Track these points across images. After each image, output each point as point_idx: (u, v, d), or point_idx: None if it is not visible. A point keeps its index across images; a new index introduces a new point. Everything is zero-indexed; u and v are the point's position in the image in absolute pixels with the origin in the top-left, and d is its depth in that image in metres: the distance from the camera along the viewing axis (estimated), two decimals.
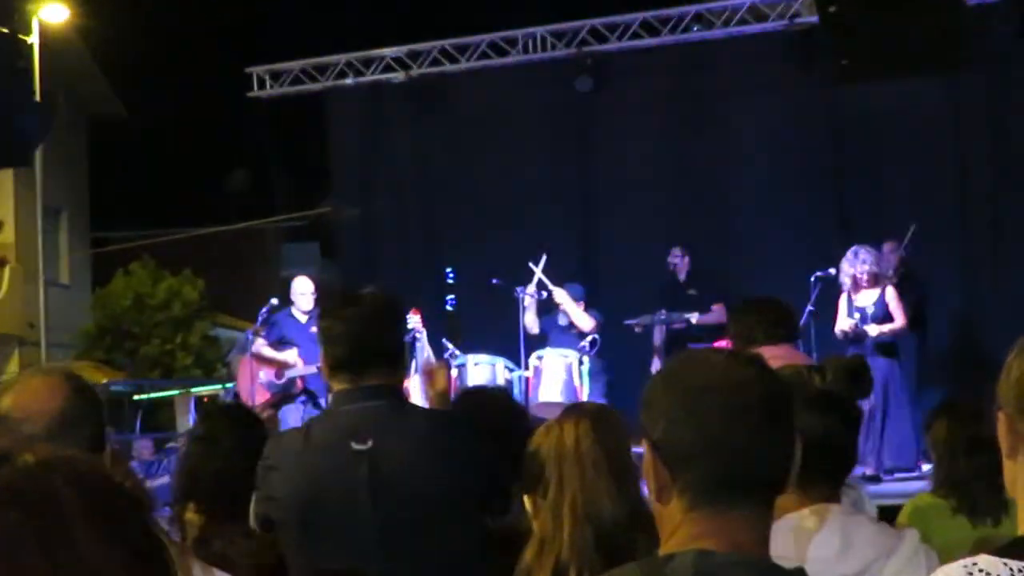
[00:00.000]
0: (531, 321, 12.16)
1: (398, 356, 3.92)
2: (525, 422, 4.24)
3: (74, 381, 2.98)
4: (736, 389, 2.09)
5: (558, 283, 12.10)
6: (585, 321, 11.90)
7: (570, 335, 12.00)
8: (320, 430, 3.94)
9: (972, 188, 12.34)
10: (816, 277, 11.24)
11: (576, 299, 12.00)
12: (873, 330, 10.68)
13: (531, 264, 12.13)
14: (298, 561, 3.76)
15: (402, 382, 3.98)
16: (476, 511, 3.76)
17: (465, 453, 3.77)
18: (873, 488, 9.65)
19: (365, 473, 3.68)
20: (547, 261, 12.12)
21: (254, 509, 3.94)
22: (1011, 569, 2.09)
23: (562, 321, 12.09)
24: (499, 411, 4.24)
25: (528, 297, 12.12)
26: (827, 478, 2.96)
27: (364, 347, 3.84)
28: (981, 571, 2.10)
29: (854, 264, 10.87)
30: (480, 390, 4.86)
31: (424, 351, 12.40)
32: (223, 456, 4.75)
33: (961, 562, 2.14)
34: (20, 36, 13.04)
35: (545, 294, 12.09)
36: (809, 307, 10.97)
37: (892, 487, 9.91)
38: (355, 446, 3.70)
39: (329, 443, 3.79)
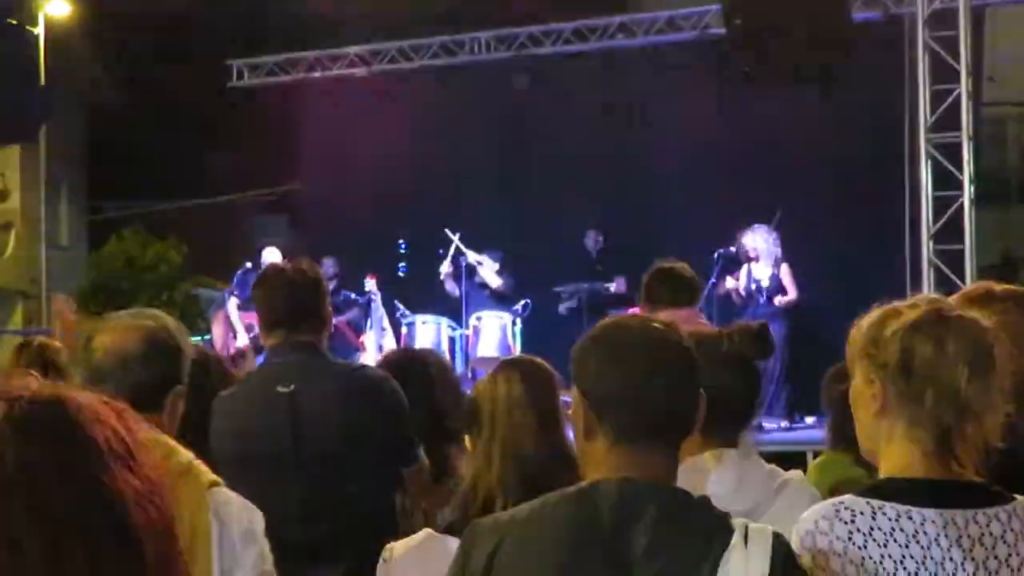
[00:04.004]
0: (451, 286, 12.25)
1: (321, 317, 4.00)
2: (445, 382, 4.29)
3: (152, 331, 2.90)
4: (653, 348, 2.17)
5: (483, 251, 12.25)
6: (493, 279, 12.04)
7: (483, 296, 12.09)
8: (255, 378, 4.09)
9: (844, 181, 12.42)
10: (718, 254, 11.32)
11: (494, 262, 12.15)
12: (779, 300, 10.89)
13: (448, 231, 12.24)
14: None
15: (324, 339, 4.04)
16: (383, 452, 3.82)
17: (372, 400, 3.83)
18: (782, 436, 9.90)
19: (286, 411, 3.77)
20: (463, 233, 12.37)
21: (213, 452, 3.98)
22: (872, 507, 2.15)
23: (478, 280, 12.21)
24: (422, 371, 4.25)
25: (446, 264, 12.22)
26: (728, 427, 2.98)
27: (295, 309, 3.93)
28: (847, 508, 2.16)
29: (767, 240, 11.03)
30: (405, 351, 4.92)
31: (379, 310, 12.46)
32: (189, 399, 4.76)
33: (830, 501, 2.20)
34: (27, 28, 12.87)
35: (463, 261, 12.20)
36: (712, 280, 11.05)
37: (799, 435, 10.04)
38: (280, 389, 3.80)
39: (259, 387, 3.91)
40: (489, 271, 12.13)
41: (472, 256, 12.18)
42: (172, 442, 2.81)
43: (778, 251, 11.14)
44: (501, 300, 12.13)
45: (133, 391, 2.77)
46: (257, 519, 2.82)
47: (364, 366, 4.04)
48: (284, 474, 3.71)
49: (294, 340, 3.92)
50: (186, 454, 2.79)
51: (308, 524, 3.57)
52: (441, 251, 12.42)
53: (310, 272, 4.05)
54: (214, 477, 2.78)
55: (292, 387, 3.80)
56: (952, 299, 3.06)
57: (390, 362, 4.33)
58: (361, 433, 3.80)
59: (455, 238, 12.29)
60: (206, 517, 2.68)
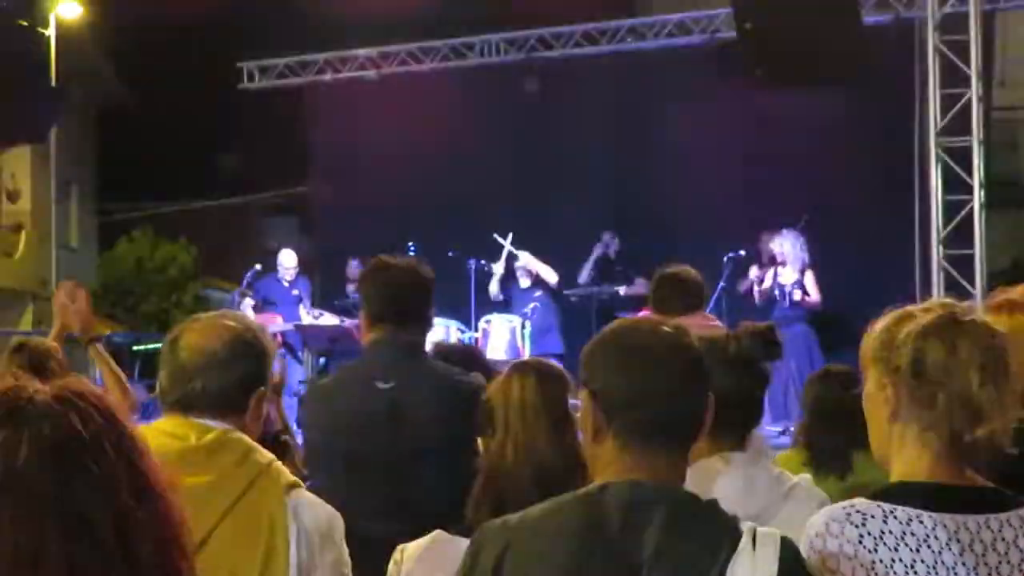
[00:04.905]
0: (495, 290, 12.26)
1: (427, 317, 4.01)
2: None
3: (237, 331, 2.87)
4: (663, 351, 2.17)
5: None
6: (551, 275, 12.07)
7: (529, 295, 12.10)
8: (352, 371, 4.06)
9: (855, 184, 12.39)
10: (728, 258, 11.33)
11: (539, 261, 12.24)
12: (797, 295, 10.83)
13: (498, 237, 12.24)
14: (322, 483, 3.74)
15: (425, 340, 4.06)
16: (473, 458, 3.82)
17: (468, 406, 3.81)
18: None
19: (384, 407, 3.75)
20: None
21: (303, 440, 4.10)
22: (883, 510, 2.14)
23: (523, 284, 12.19)
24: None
25: (499, 267, 12.24)
26: (735, 430, 2.98)
27: (403, 306, 3.92)
28: (858, 512, 2.15)
29: (795, 245, 11.01)
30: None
31: None
32: None
33: (840, 504, 2.19)
34: (38, 29, 12.89)
35: (515, 262, 12.23)
36: (721, 283, 11.04)
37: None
38: (379, 384, 3.78)
39: (357, 380, 3.89)
40: (546, 269, 12.17)
41: (526, 258, 12.21)
42: (252, 442, 2.80)
43: (805, 256, 11.10)
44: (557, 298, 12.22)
45: (217, 390, 2.79)
46: (336, 523, 2.80)
47: (464, 371, 4.01)
48: (373, 468, 3.68)
49: (398, 338, 3.89)
50: (266, 454, 2.78)
51: (390, 521, 3.53)
52: (483, 261, 12.41)
53: (422, 272, 4.02)
54: (294, 478, 2.78)
55: (391, 384, 3.78)
56: (1010, 298, 3.06)
57: (444, 354, 4.32)
58: (454, 437, 3.77)
59: (505, 243, 12.31)
60: (284, 518, 2.67)
